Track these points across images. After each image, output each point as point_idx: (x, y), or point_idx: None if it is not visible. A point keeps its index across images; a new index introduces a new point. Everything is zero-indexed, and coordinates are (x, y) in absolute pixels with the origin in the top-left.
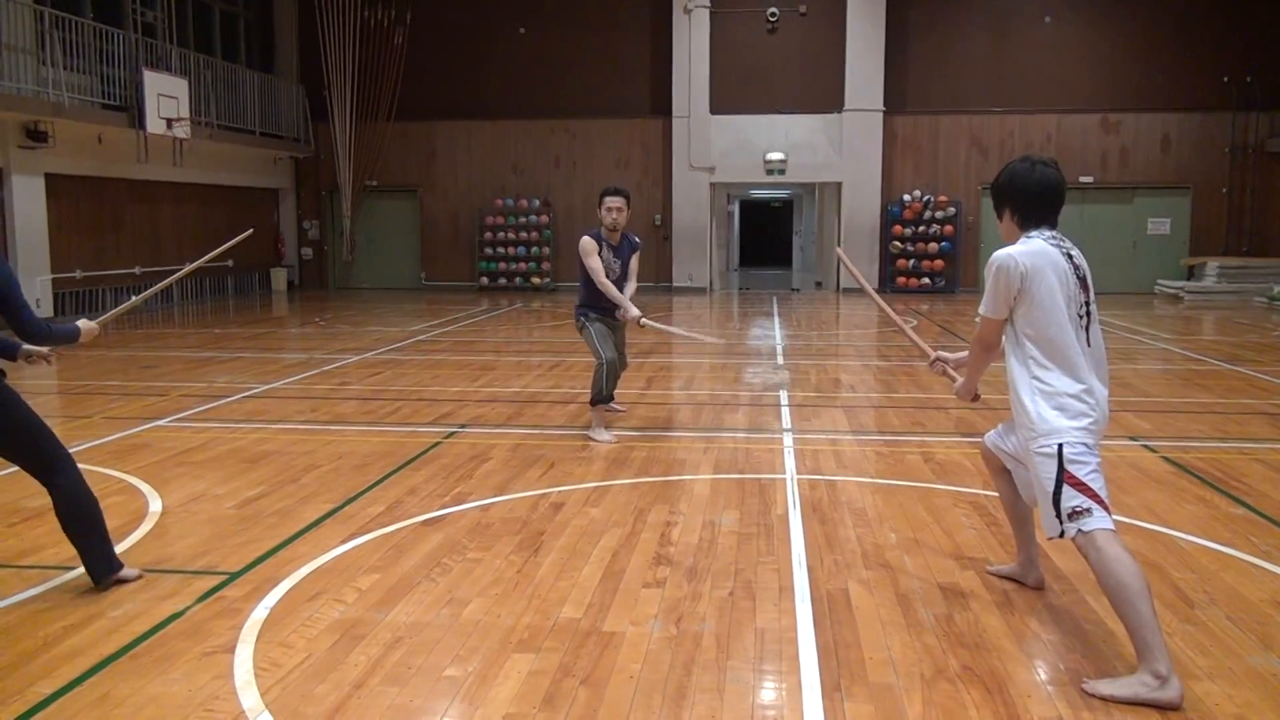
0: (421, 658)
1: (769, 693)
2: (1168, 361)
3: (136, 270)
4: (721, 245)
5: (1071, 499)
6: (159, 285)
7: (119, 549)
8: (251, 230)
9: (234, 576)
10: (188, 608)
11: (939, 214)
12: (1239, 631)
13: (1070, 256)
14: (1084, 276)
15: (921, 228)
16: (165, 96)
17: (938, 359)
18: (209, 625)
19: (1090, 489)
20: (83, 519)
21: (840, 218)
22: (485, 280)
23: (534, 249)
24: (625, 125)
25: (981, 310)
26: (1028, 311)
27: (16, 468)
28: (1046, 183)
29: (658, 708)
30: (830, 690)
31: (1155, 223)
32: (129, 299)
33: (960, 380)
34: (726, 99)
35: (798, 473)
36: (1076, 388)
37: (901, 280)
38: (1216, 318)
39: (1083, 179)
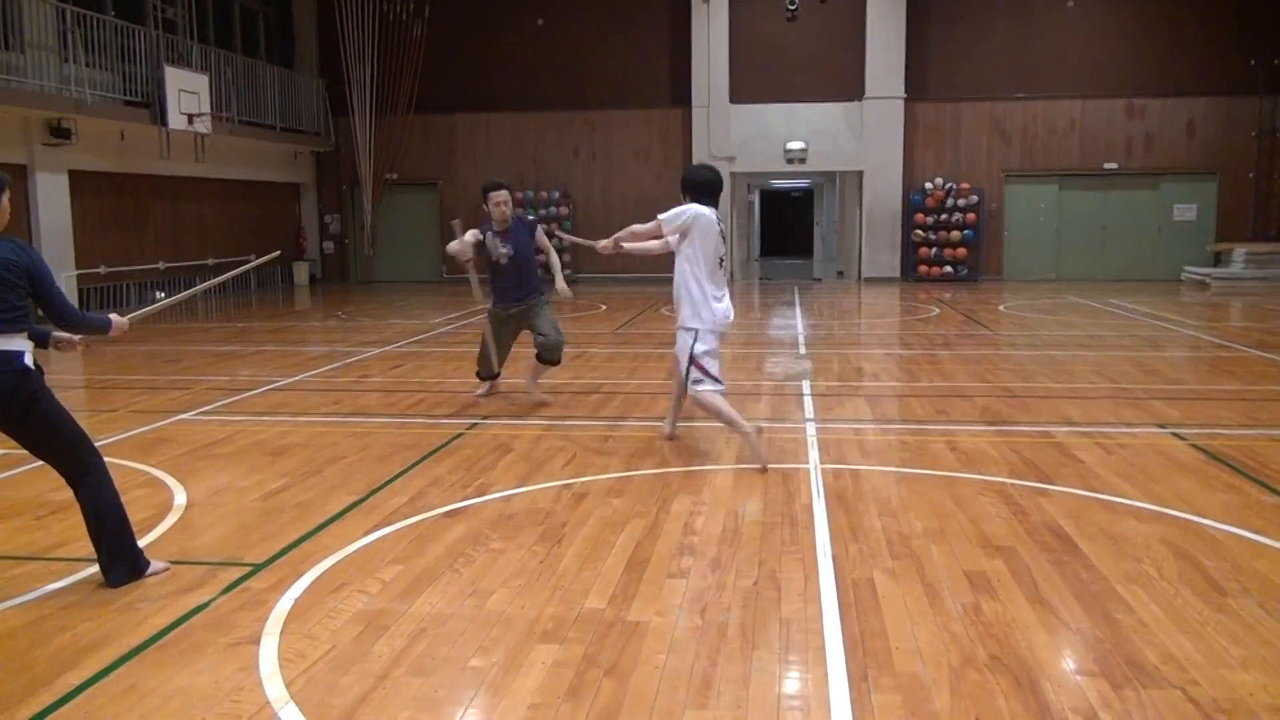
0: (445, 649)
1: (795, 683)
2: (1196, 348)
3: (160, 265)
4: (742, 235)
5: (693, 373)
6: (190, 291)
7: (144, 542)
8: (279, 252)
9: (258, 568)
10: (213, 599)
11: (961, 202)
12: (1273, 620)
13: (718, 222)
14: (723, 233)
15: (944, 216)
16: (186, 92)
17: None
18: (234, 617)
19: (704, 367)
20: (108, 527)
21: (862, 206)
22: None
23: (553, 240)
24: (644, 116)
25: (665, 221)
26: (692, 241)
27: (43, 461)
28: (715, 180)
29: (683, 698)
30: (857, 680)
31: (1181, 208)
32: (153, 294)
33: (604, 241)
34: (746, 88)
35: (821, 462)
36: (710, 299)
37: (924, 269)
38: (1245, 304)
39: (1107, 165)
